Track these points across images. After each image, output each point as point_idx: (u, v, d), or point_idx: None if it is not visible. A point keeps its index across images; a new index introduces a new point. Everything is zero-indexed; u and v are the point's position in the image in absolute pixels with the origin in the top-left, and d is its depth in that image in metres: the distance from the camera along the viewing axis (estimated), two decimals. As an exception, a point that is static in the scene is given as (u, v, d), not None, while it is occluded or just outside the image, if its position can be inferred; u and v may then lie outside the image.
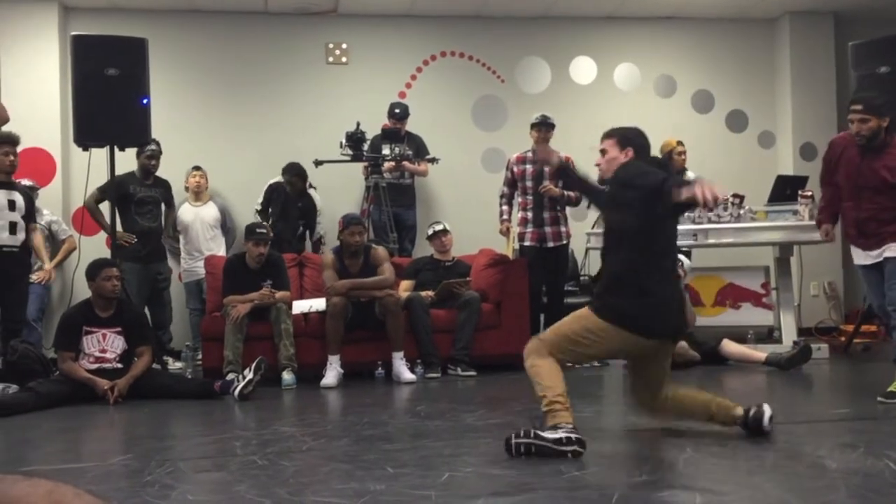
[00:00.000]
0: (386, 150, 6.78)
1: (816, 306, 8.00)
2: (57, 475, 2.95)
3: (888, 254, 4.36)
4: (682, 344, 5.87)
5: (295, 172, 6.89)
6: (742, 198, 6.43)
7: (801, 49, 8.24)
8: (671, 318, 3.31)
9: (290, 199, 6.89)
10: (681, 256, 6.46)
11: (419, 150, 7.13)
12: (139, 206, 6.52)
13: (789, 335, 6.32)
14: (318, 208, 7.15)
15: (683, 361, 5.81)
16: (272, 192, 6.96)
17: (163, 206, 6.74)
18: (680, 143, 7.13)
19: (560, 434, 3.05)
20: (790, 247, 6.62)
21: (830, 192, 4.76)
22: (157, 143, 6.49)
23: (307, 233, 7.17)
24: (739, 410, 3.40)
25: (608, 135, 3.55)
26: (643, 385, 3.45)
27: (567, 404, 3.14)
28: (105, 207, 6.26)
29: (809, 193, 6.32)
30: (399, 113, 7.14)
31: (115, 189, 6.15)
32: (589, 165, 7.41)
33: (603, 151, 3.53)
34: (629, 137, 3.50)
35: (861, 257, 4.56)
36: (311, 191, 7.12)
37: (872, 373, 4.73)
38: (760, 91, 8.40)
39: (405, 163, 6.95)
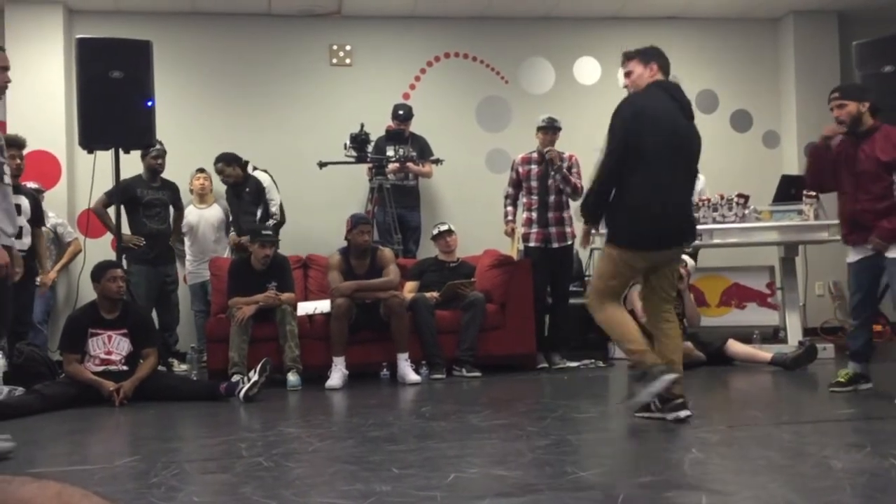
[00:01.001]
0: (390, 152, 6.79)
1: (822, 306, 7.98)
2: (63, 477, 2.96)
3: (891, 254, 4.36)
4: (688, 344, 5.86)
5: (219, 160, 6.69)
6: (747, 198, 6.42)
7: (805, 48, 8.22)
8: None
9: (232, 191, 6.76)
10: (684, 257, 6.45)
11: (423, 151, 7.14)
12: (147, 208, 6.53)
13: (794, 335, 6.31)
14: (265, 186, 6.78)
15: (689, 362, 5.80)
16: (226, 198, 6.92)
17: (171, 209, 6.75)
18: None
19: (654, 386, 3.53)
20: (795, 247, 6.61)
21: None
22: (161, 143, 6.50)
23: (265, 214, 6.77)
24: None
25: (629, 57, 3.84)
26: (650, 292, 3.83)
27: (644, 346, 3.63)
28: (110, 210, 6.28)
29: (814, 193, 6.31)
30: (403, 114, 7.14)
31: (123, 192, 6.18)
32: (593, 165, 7.44)
33: (628, 73, 3.82)
34: (650, 54, 3.81)
35: (854, 254, 4.56)
36: (255, 172, 6.86)
37: (877, 372, 4.72)
38: (765, 91, 8.38)
39: (409, 164, 6.96)
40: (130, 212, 6.45)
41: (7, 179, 3.60)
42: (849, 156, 4.54)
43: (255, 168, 6.89)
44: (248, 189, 6.73)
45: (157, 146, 6.42)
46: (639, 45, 8.92)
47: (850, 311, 4.76)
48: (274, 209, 6.79)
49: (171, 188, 6.74)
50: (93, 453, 3.59)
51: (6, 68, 3.70)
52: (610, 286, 3.76)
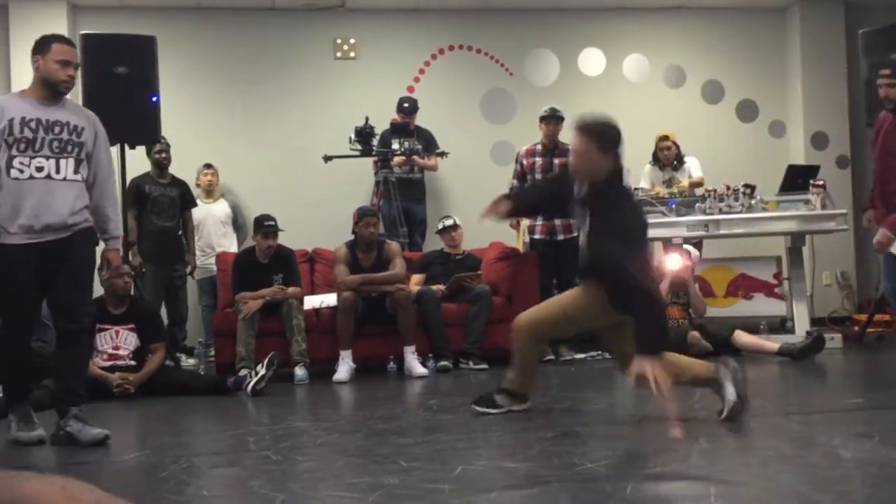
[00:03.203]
0: (395, 145, 6.78)
1: (829, 296, 7.96)
2: (72, 472, 2.97)
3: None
4: (694, 334, 5.85)
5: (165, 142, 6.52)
6: (753, 188, 6.40)
7: (811, 37, 8.18)
8: None
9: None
10: (688, 247, 6.42)
11: (428, 144, 7.13)
12: (154, 205, 6.48)
13: (802, 325, 6.29)
14: None
15: (696, 352, 5.79)
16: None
17: (180, 207, 6.67)
18: (663, 137, 7.05)
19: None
20: (802, 236, 6.59)
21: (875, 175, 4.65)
22: (164, 138, 6.46)
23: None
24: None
25: (584, 132, 3.47)
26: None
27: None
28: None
29: (821, 183, 6.29)
30: (408, 107, 7.13)
31: (134, 191, 6.20)
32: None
33: (577, 148, 3.49)
34: (612, 139, 3.47)
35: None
36: None
37: (886, 362, 4.71)
38: (771, 80, 8.35)
39: (415, 157, 6.95)
40: (138, 208, 6.43)
41: (30, 172, 3.50)
42: (888, 133, 4.42)
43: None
44: None
45: (161, 141, 6.41)
46: (643, 36, 8.95)
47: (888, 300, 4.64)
48: None
49: (181, 186, 6.68)
50: (102, 448, 3.60)
51: (68, 63, 3.62)
52: None
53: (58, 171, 3.55)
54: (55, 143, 3.55)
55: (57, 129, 3.57)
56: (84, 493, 0.89)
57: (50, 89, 3.62)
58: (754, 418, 3.62)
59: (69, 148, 3.59)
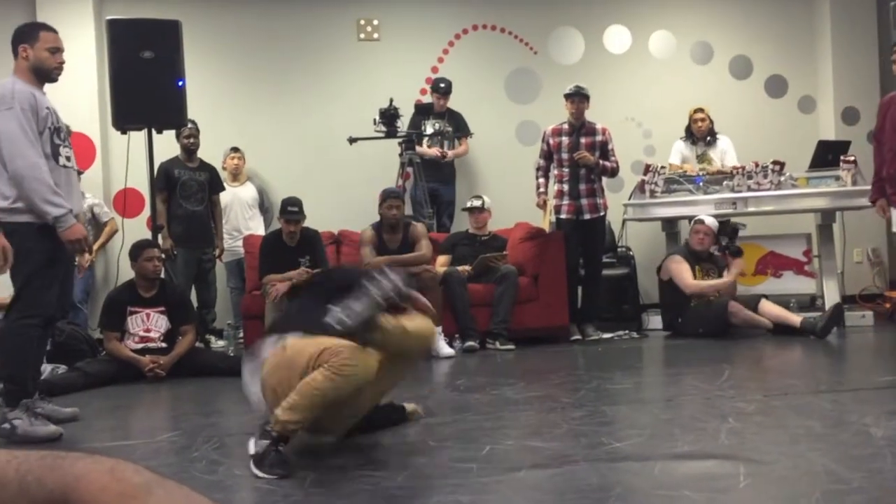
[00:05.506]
0: (429, 129, 6.76)
1: (860, 273, 7.85)
2: (107, 452, 3.02)
3: None
4: (735, 303, 5.80)
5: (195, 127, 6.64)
6: (782, 164, 6.32)
7: (841, 10, 8.02)
8: None
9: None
10: (706, 218, 6.25)
11: (459, 127, 7.11)
12: (183, 188, 6.53)
13: (832, 303, 6.22)
14: None
15: (738, 321, 5.76)
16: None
17: (208, 191, 6.72)
18: (699, 109, 6.98)
19: None
20: (832, 213, 6.50)
21: (878, 163, 4.70)
22: (194, 122, 6.51)
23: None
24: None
25: None
26: None
27: None
28: (145, 191, 6.33)
29: (852, 158, 6.20)
30: (444, 88, 7.10)
31: (163, 176, 6.25)
32: (624, 136, 7.36)
33: None
34: None
35: None
36: None
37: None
38: (800, 54, 8.21)
39: (448, 152, 6.99)
40: (167, 192, 6.49)
41: (64, 161, 3.55)
42: None
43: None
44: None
45: (189, 125, 6.45)
46: (669, 12, 8.79)
47: None
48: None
49: (210, 170, 6.71)
50: (135, 428, 3.66)
51: (58, 49, 3.63)
52: None
53: (71, 160, 3.64)
54: (62, 132, 3.63)
55: (59, 118, 3.65)
56: (133, 474, 0.90)
57: (42, 78, 3.63)
58: (783, 396, 3.60)
59: (67, 137, 3.71)
